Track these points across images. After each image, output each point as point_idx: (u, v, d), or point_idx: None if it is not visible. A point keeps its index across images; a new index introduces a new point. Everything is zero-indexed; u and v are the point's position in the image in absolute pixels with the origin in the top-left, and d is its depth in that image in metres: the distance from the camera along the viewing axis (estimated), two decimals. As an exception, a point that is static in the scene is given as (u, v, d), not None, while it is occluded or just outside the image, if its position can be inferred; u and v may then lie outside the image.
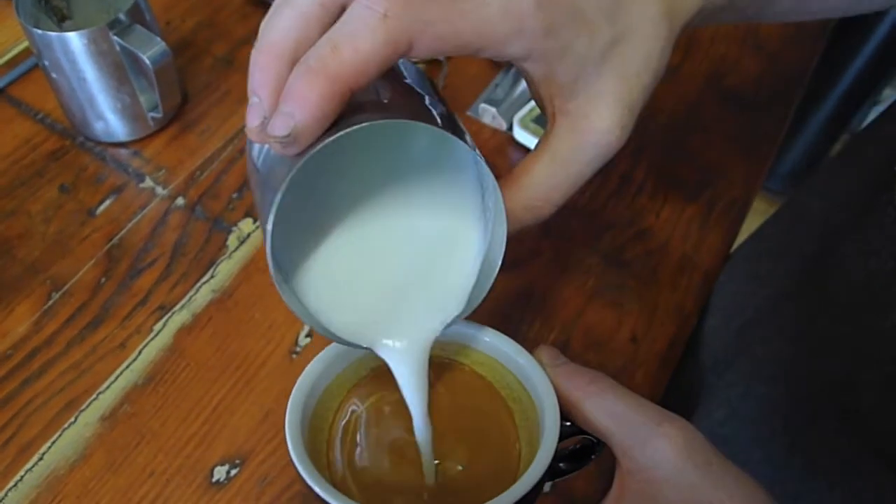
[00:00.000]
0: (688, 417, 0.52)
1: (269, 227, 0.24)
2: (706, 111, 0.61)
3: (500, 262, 0.28)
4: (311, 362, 0.31)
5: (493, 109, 0.57)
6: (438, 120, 0.25)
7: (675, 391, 0.55)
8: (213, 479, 0.42)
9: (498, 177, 0.27)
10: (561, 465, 0.33)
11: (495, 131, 0.58)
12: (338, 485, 0.30)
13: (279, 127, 0.23)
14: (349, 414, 0.33)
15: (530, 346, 0.44)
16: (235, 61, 0.61)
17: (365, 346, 0.28)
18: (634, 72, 0.28)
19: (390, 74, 0.24)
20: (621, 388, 0.29)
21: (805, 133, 1.39)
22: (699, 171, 0.57)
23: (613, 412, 0.28)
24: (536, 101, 0.29)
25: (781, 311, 0.48)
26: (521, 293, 0.49)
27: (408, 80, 0.28)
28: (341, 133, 0.23)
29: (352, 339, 0.28)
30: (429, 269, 0.29)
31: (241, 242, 0.51)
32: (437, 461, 0.31)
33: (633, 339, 0.48)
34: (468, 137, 0.27)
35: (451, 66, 0.60)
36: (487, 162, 0.27)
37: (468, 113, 0.58)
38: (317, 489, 0.27)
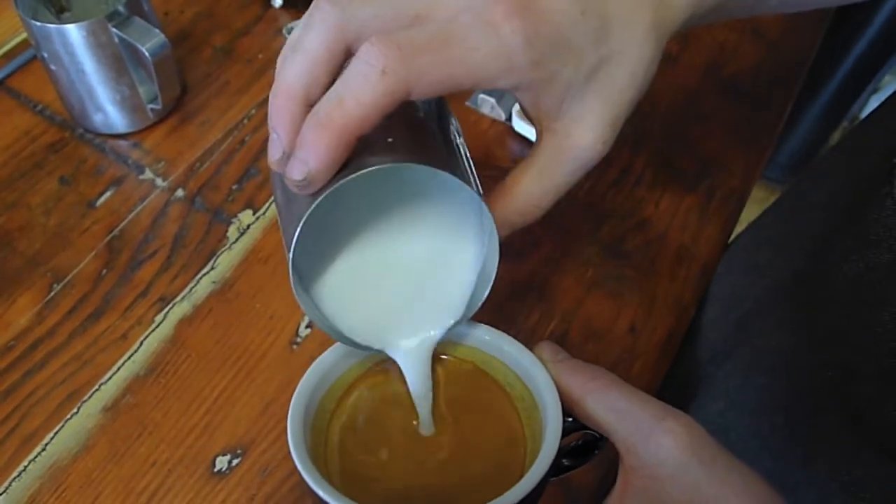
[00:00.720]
0: (685, 408, 0.52)
1: (291, 256, 0.27)
2: (705, 101, 0.61)
3: (494, 276, 0.31)
4: (312, 365, 0.32)
5: (492, 100, 0.57)
6: (441, 152, 0.29)
7: (673, 382, 0.55)
8: (215, 470, 0.42)
9: (491, 177, 0.31)
10: (564, 461, 0.33)
11: (494, 122, 0.58)
12: (339, 482, 0.30)
13: (295, 172, 0.27)
14: (351, 410, 0.33)
15: (529, 336, 0.44)
16: (234, 52, 0.60)
17: (378, 348, 0.32)
18: (618, 90, 0.29)
19: (400, 108, 0.27)
20: (623, 384, 0.29)
21: (804, 121, 1.39)
22: (698, 161, 0.57)
23: (616, 408, 0.28)
24: (526, 116, 0.32)
25: (781, 303, 0.48)
26: (520, 284, 0.50)
27: (419, 112, 0.31)
28: (349, 178, 0.26)
29: (366, 342, 0.32)
30: (432, 281, 0.32)
31: (242, 234, 0.51)
32: (442, 456, 0.31)
33: (632, 330, 0.48)
34: (466, 162, 0.30)
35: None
36: (480, 178, 0.30)
37: (467, 103, 0.58)
38: (318, 491, 0.27)
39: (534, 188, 0.30)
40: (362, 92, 0.25)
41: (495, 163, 0.56)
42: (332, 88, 0.26)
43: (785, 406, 0.45)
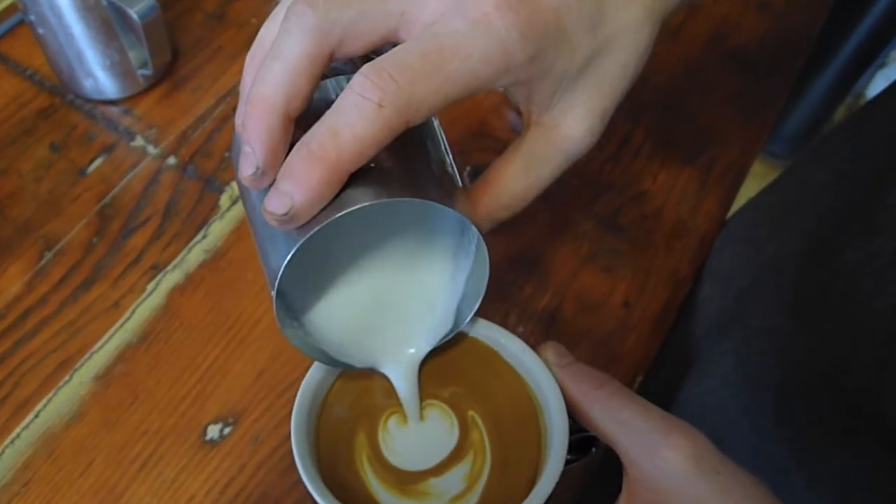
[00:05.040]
0: (679, 384, 0.52)
1: (274, 293, 0.26)
2: (707, 72, 0.60)
3: (484, 287, 0.30)
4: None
5: (490, 69, 0.56)
6: (427, 172, 0.27)
7: (668, 358, 0.55)
8: (207, 438, 0.42)
9: (488, 148, 0.29)
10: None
11: (490, 91, 0.57)
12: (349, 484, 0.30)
13: (277, 205, 0.24)
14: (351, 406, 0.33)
15: (522, 309, 0.44)
16: (226, 16, 0.59)
17: (366, 366, 0.32)
18: (609, 82, 0.29)
19: None
20: (628, 393, 0.29)
21: (808, 95, 1.37)
22: (698, 134, 0.56)
23: (620, 419, 0.28)
24: (514, 110, 0.30)
25: (779, 283, 0.47)
26: (514, 257, 0.49)
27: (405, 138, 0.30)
28: (339, 215, 0.25)
29: (354, 362, 0.31)
30: (416, 297, 0.32)
31: (234, 202, 0.51)
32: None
33: (626, 304, 0.48)
34: (447, 157, 0.29)
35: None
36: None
37: (464, 72, 0.57)
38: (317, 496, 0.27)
39: (518, 182, 0.30)
40: (359, 126, 0.24)
41: (492, 133, 0.55)
42: (324, 119, 0.24)
43: (776, 389, 0.45)
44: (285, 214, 0.24)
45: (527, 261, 0.49)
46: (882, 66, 1.34)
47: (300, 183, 0.24)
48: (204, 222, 0.50)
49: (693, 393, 0.52)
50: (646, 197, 0.53)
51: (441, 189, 0.27)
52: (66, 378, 0.44)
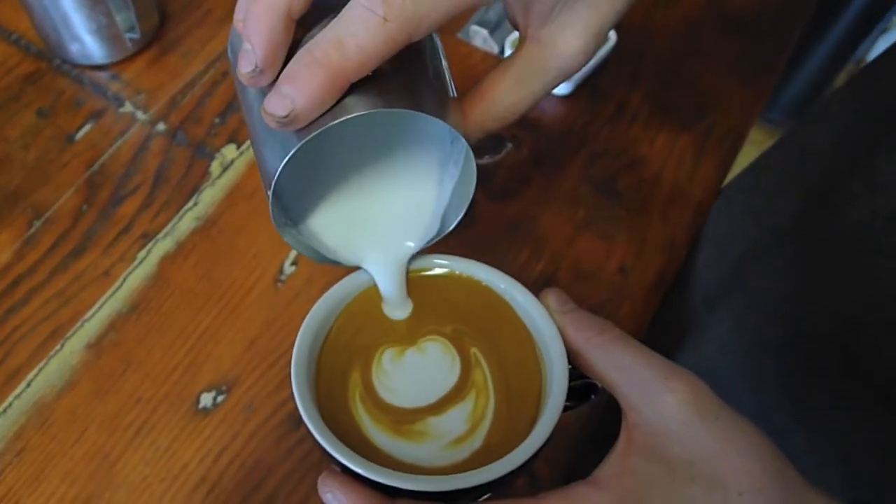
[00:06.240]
0: (677, 350, 0.52)
1: (270, 193, 0.27)
2: (706, 36, 0.59)
3: (472, 193, 0.31)
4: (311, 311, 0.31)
5: (485, 32, 0.55)
6: (423, 81, 0.28)
7: (665, 324, 0.55)
8: (200, 406, 0.42)
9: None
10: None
11: (486, 55, 0.56)
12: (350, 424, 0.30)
13: (278, 107, 0.25)
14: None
15: (517, 275, 0.44)
16: (216, -21, 0.58)
17: (353, 264, 0.33)
18: (607, 0, 0.29)
19: None
20: (629, 340, 0.29)
21: (809, 61, 1.35)
22: (696, 99, 0.56)
23: (620, 365, 0.28)
24: (511, 24, 0.31)
25: (779, 247, 0.47)
26: (509, 222, 0.49)
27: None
28: (337, 121, 0.25)
29: (343, 260, 0.33)
30: (405, 199, 0.33)
31: (225, 169, 0.50)
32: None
33: (622, 271, 0.48)
34: (442, 66, 0.30)
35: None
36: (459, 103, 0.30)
37: (459, 35, 0.56)
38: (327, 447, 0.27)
39: (510, 95, 0.30)
40: (363, 38, 0.24)
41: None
42: (329, 28, 0.25)
43: (779, 352, 0.45)
44: (285, 117, 0.25)
45: (522, 227, 0.49)
46: (884, 31, 1.32)
47: (302, 88, 0.25)
48: (195, 190, 0.49)
49: (691, 360, 0.52)
50: (643, 162, 0.52)
51: (435, 100, 0.28)
52: (58, 347, 0.44)
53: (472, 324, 0.32)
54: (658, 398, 0.27)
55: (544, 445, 0.28)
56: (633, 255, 0.48)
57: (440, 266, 0.34)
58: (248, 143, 0.51)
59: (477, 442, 0.29)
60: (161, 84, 0.53)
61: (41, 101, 0.52)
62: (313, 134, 0.26)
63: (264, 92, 0.26)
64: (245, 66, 0.26)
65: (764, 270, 0.48)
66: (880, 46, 1.40)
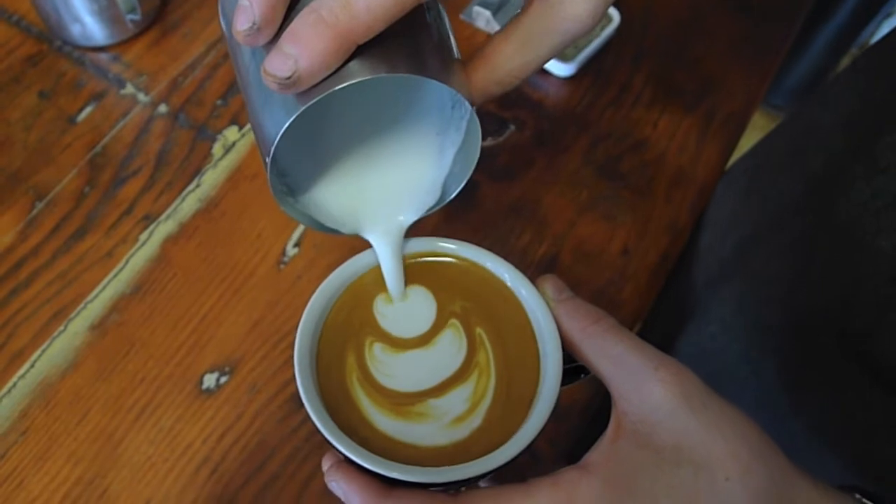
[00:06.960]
0: (679, 331, 0.52)
1: (269, 159, 0.26)
2: (710, 17, 0.58)
3: (475, 161, 0.30)
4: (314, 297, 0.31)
5: (488, 13, 0.54)
6: (428, 44, 0.27)
7: (668, 305, 0.55)
8: (204, 387, 0.42)
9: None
10: None
11: (489, 36, 0.55)
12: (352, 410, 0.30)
13: (280, 67, 0.24)
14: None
15: (519, 257, 0.44)
16: (217, -40, 0.57)
17: (355, 232, 0.32)
18: None
19: None
20: (622, 330, 0.29)
21: (813, 45, 1.34)
22: (699, 81, 0.55)
23: (611, 354, 0.28)
24: None
25: (781, 229, 0.47)
26: (512, 204, 0.49)
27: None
28: (340, 87, 0.24)
29: (342, 229, 0.32)
30: (404, 169, 0.32)
31: (227, 151, 0.50)
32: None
33: (625, 252, 0.48)
34: (446, 30, 0.29)
35: (444, -33, 0.57)
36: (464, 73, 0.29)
37: (461, 16, 0.56)
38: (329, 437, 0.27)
39: (515, 58, 0.29)
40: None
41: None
42: None
43: (779, 333, 0.45)
44: (288, 78, 0.24)
45: (524, 208, 0.49)
46: (889, 15, 1.31)
47: (306, 48, 0.23)
48: (197, 171, 0.49)
49: (692, 341, 0.52)
50: (646, 144, 0.52)
51: (440, 65, 0.27)
52: (61, 328, 0.44)
53: (478, 301, 0.32)
54: (646, 387, 0.27)
55: (538, 435, 0.28)
56: (637, 236, 0.48)
57: (439, 248, 0.33)
58: (249, 125, 0.51)
59: (476, 420, 0.29)
60: (162, 66, 0.53)
61: (42, 83, 0.52)
62: (318, 97, 0.24)
63: (261, 55, 0.25)
64: (242, 23, 0.24)
65: (764, 252, 0.48)
66: (884, 30, 1.39)
